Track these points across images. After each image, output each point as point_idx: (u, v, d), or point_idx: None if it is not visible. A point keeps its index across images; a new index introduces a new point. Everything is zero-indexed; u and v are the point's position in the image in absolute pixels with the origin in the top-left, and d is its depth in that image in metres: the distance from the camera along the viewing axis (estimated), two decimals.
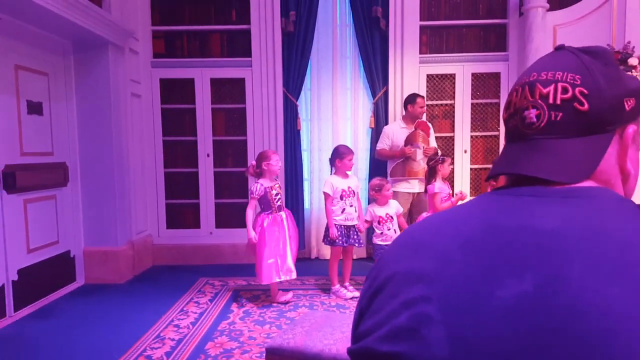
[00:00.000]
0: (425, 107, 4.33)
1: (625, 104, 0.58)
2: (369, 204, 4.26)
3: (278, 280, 3.49)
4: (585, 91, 0.56)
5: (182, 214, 4.89)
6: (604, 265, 0.45)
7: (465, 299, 0.49)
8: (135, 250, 4.43)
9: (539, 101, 0.58)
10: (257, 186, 3.47)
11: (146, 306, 3.54)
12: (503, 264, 0.49)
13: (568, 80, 0.57)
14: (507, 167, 0.61)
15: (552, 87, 0.58)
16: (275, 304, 3.53)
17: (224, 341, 2.87)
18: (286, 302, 3.54)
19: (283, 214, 3.58)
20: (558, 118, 0.57)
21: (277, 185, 3.58)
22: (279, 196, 3.56)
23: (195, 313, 3.39)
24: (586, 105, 0.56)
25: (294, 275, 3.54)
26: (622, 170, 0.59)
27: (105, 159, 4.12)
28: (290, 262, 3.52)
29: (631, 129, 0.58)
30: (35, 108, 3.61)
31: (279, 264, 3.48)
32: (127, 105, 4.33)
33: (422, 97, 4.34)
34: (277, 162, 3.53)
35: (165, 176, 4.83)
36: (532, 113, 0.58)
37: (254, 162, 3.58)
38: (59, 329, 3.14)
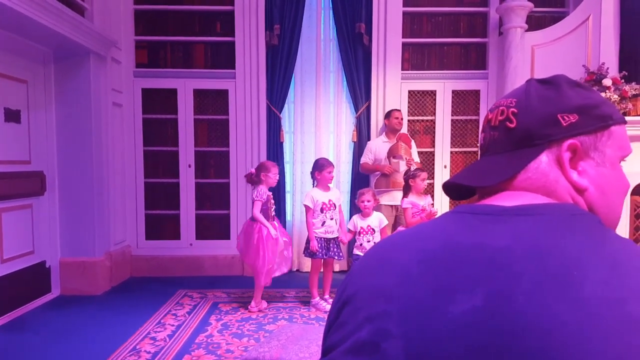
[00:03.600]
0: (400, 119, 4.43)
1: (561, 119, 0.60)
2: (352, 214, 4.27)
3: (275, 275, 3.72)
4: (515, 110, 0.62)
5: (161, 225, 4.84)
6: (549, 282, 0.46)
7: (422, 314, 0.50)
8: (113, 261, 4.36)
9: (486, 125, 0.67)
10: (261, 189, 3.63)
11: (123, 318, 3.48)
12: (457, 280, 0.51)
13: (507, 104, 0.64)
14: (451, 179, 0.69)
15: (495, 112, 0.65)
16: (255, 316, 3.51)
17: (201, 354, 2.84)
18: (259, 311, 3.65)
19: (276, 223, 3.74)
20: (495, 137, 0.64)
21: (272, 195, 3.76)
22: (274, 206, 3.75)
23: (173, 326, 3.34)
24: (514, 123, 0.62)
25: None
26: (571, 183, 0.60)
27: (84, 168, 4.06)
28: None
29: (567, 142, 0.60)
30: (12, 116, 3.56)
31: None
32: (107, 114, 4.30)
33: (398, 110, 4.49)
34: (275, 175, 3.70)
35: (145, 186, 4.79)
36: (481, 136, 0.69)
37: (253, 170, 3.74)
38: (33, 341, 3.06)
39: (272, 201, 3.72)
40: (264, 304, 3.72)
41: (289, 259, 3.84)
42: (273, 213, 3.71)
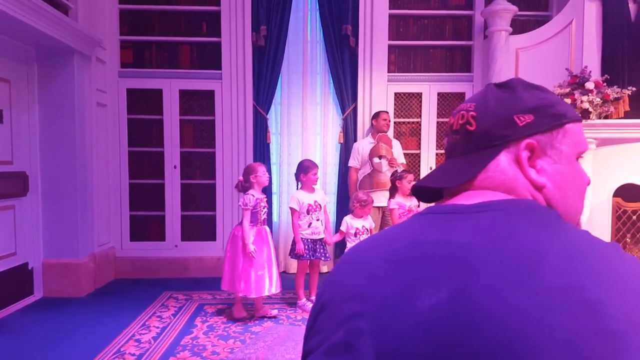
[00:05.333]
0: (388, 120, 4.46)
1: (517, 120, 0.62)
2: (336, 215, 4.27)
3: (267, 294, 3.51)
4: (475, 114, 0.65)
5: (146, 226, 4.80)
6: (508, 274, 0.48)
7: (391, 311, 0.52)
8: (97, 262, 4.31)
9: (449, 130, 0.70)
10: (250, 197, 3.48)
11: (107, 320, 3.45)
12: (423, 276, 0.53)
13: (467, 108, 0.66)
14: (418, 182, 0.71)
15: (456, 117, 0.67)
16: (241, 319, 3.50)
17: (186, 356, 2.82)
18: (273, 317, 3.53)
19: (267, 227, 3.61)
20: (457, 140, 0.67)
21: (265, 199, 3.61)
22: (265, 209, 3.59)
23: (158, 328, 3.32)
24: (474, 126, 0.64)
25: (279, 289, 3.56)
26: (529, 180, 0.62)
27: (68, 169, 4.01)
28: (276, 276, 3.53)
29: (525, 142, 0.62)
30: None
31: (267, 278, 3.47)
32: (92, 114, 4.25)
33: (386, 112, 4.52)
34: (264, 174, 3.56)
35: (130, 187, 4.74)
36: (445, 140, 0.70)
37: (241, 178, 3.60)
38: (15, 344, 3.01)
39: (264, 204, 3.56)
40: (274, 311, 3.58)
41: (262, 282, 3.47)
42: (264, 217, 3.55)
